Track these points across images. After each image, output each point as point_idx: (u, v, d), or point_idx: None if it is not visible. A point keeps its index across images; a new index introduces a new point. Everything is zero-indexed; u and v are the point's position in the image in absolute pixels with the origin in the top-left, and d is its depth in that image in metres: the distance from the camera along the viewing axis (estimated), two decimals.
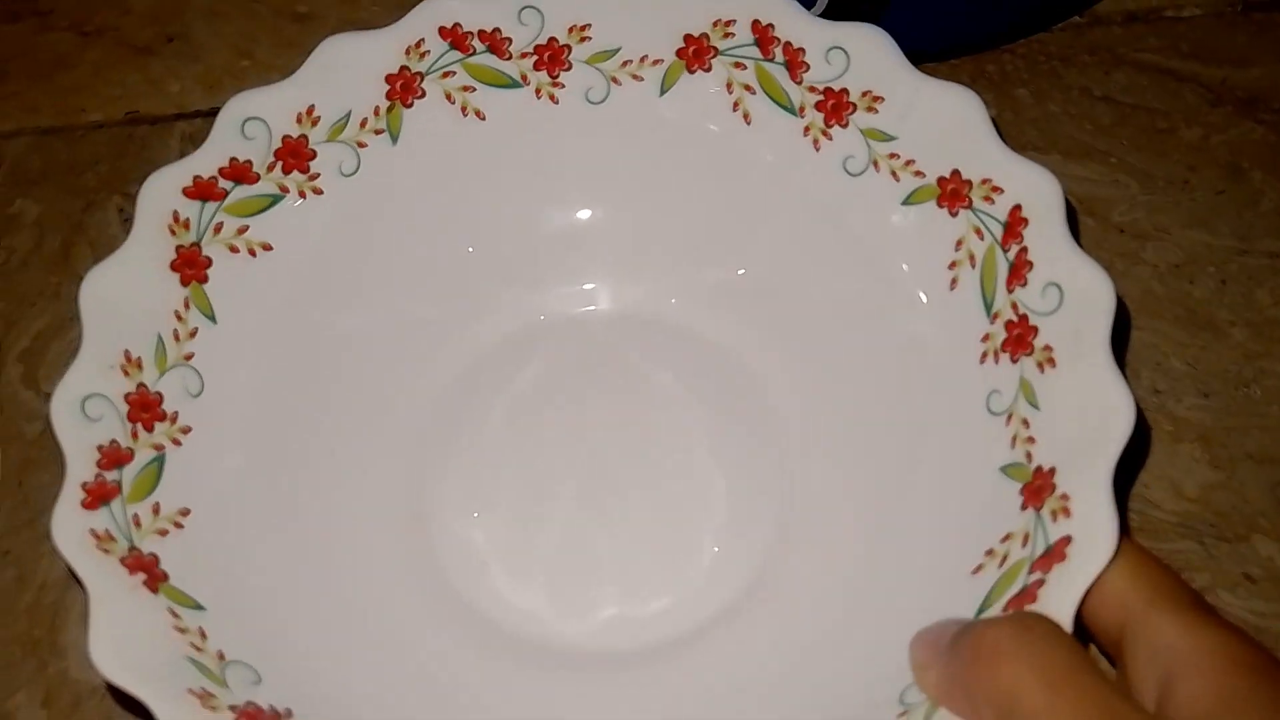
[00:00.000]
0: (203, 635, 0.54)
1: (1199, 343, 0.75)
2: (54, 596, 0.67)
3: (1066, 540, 0.53)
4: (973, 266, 0.63)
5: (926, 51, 0.80)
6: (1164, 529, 0.68)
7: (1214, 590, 0.66)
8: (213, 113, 0.65)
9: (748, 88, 0.69)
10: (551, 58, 0.69)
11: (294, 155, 0.66)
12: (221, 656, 0.54)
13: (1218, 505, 0.69)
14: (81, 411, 0.56)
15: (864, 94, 0.66)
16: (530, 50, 0.69)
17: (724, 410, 0.69)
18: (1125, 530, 0.66)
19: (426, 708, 0.58)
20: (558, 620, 0.63)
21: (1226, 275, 0.77)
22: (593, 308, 0.72)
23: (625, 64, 0.70)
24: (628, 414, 0.70)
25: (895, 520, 0.63)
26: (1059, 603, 0.51)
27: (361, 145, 0.68)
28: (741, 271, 0.70)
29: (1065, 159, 0.82)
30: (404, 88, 0.68)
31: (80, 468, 0.55)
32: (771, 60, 0.68)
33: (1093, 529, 0.52)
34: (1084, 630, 0.51)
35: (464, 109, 0.69)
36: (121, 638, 0.51)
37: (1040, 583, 0.52)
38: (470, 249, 0.71)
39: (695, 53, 0.69)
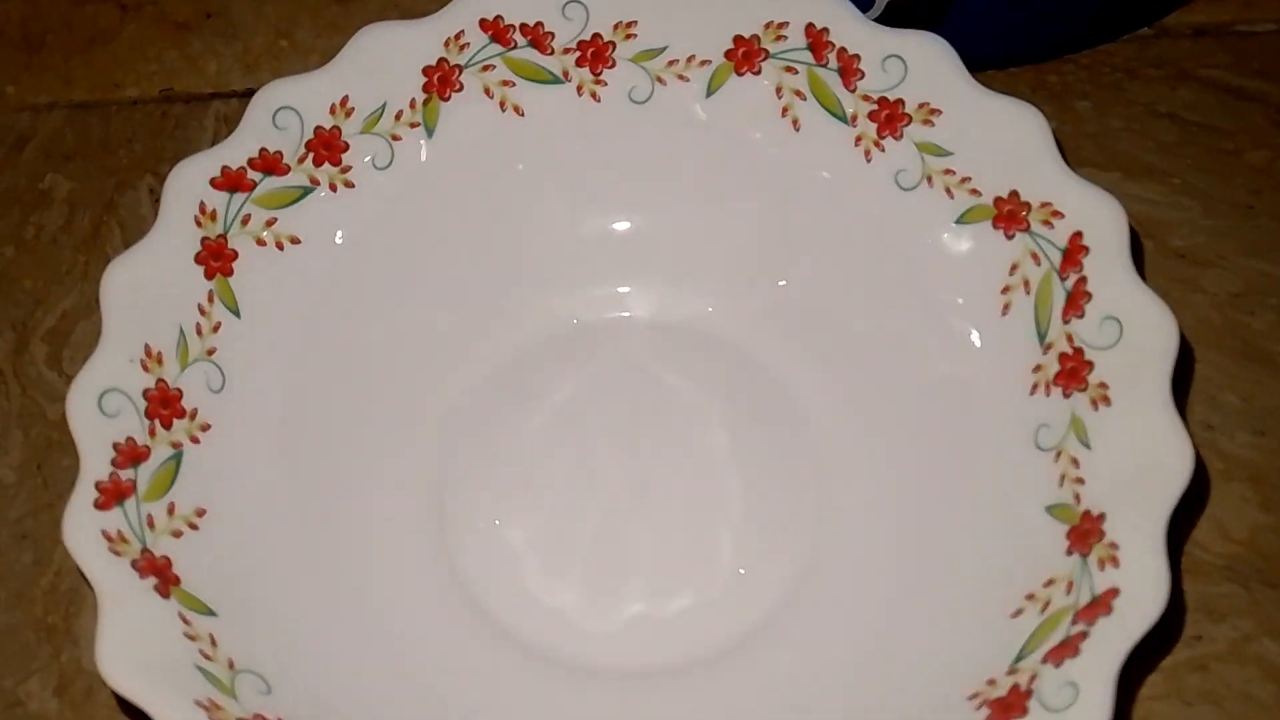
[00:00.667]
0: (213, 642, 0.53)
1: (1254, 377, 0.72)
2: (71, 583, 0.66)
3: (1114, 593, 0.50)
4: (1027, 293, 0.60)
5: (986, 60, 0.77)
6: (1209, 571, 0.65)
7: (1258, 638, 0.64)
8: (249, 94, 0.64)
9: (798, 93, 0.66)
10: (595, 54, 0.67)
11: (326, 147, 0.64)
12: (231, 665, 0.53)
13: (1266, 549, 0.66)
14: (99, 407, 0.55)
15: (920, 105, 0.63)
16: (573, 46, 0.67)
17: (756, 427, 0.67)
18: (1176, 579, 0.64)
19: (440, 713, 0.57)
20: (583, 622, 0.61)
21: None
22: (627, 314, 0.70)
23: (671, 63, 0.67)
24: (658, 423, 0.68)
25: (932, 552, 0.61)
26: (1101, 659, 0.49)
27: (396, 138, 0.66)
28: (783, 283, 0.68)
29: (1125, 177, 0.78)
30: (442, 80, 0.66)
31: (95, 465, 0.54)
32: (825, 66, 0.65)
33: (1142, 584, 0.50)
34: (1126, 691, 0.49)
35: (503, 104, 0.67)
36: (130, 645, 0.50)
37: (1084, 635, 0.50)
38: (504, 249, 0.69)
39: (745, 55, 0.66)
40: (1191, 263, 0.76)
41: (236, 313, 0.62)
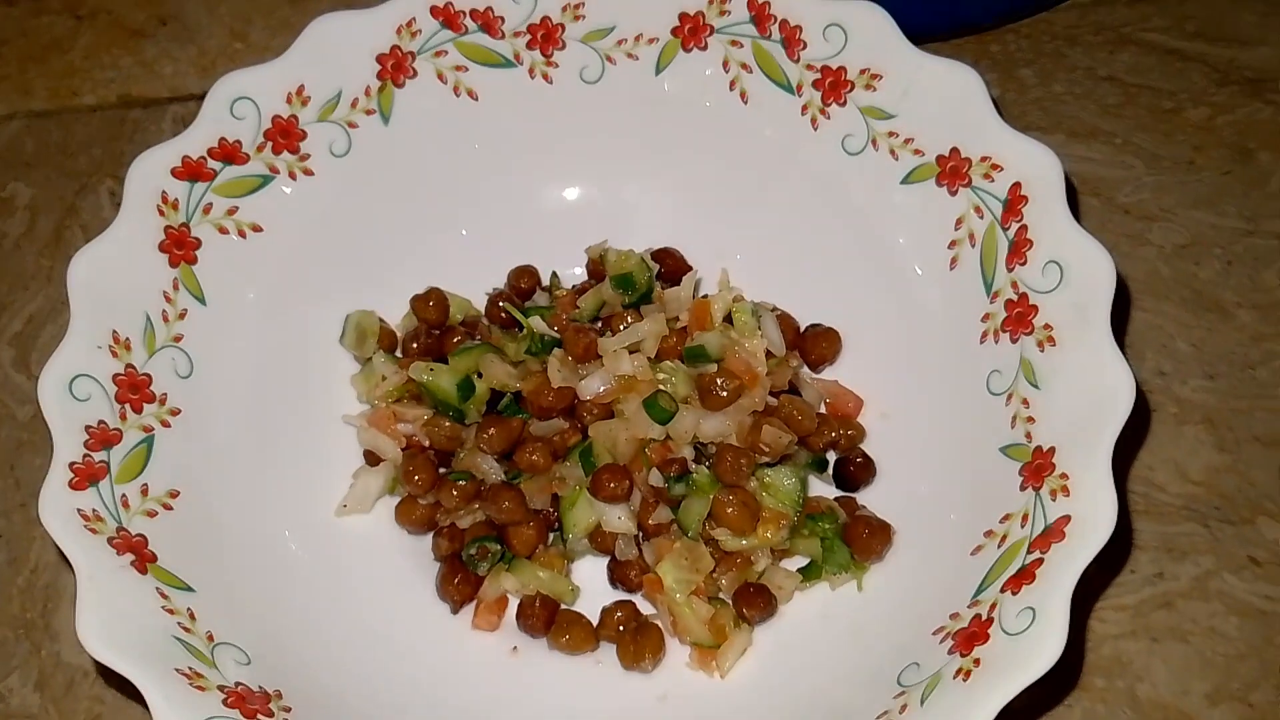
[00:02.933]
0: (191, 616, 0.54)
1: (1205, 324, 0.74)
2: (47, 579, 0.67)
3: (1066, 519, 0.52)
4: (973, 245, 0.62)
5: (928, 31, 0.79)
6: (1168, 512, 0.67)
7: (1219, 573, 0.65)
8: (205, 97, 0.65)
9: (744, 66, 0.68)
10: (545, 36, 0.68)
11: (284, 135, 0.65)
12: (210, 638, 0.54)
13: (1223, 488, 0.68)
14: (69, 392, 0.56)
15: (862, 71, 0.65)
16: (523, 29, 0.68)
17: None
18: (1125, 510, 0.65)
19: (416, 689, 0.58)
20: None
21: (1232, 256, 0.76)
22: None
23: (620, 42, 0.69)
24: None
25: (894, 502, 0.62)
26: (1057, 582, 0.50)
27: (353, 125, 0.67)
28: (739, 257, 0.69)
29: (1069, 139, 0.81)
30: (395, 67, 0.67)
31: (68, 448, 0.55)
32: (768, 38, 0.67)
33: (1092, 508, 0.51)
34: (1078, 613, 0.50)
35: (456, 88, 0.68)
36: (110, 617, 0.51)
37: (1039, 562, 0.51)
38: (464, 231, 0.71)
39: (691, 30, 0.68)
40: (1138, 217, 0.78)
41: (202, 300, 0.63)
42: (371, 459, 0.65)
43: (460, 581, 0.61)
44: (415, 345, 0.67)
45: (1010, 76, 0.83)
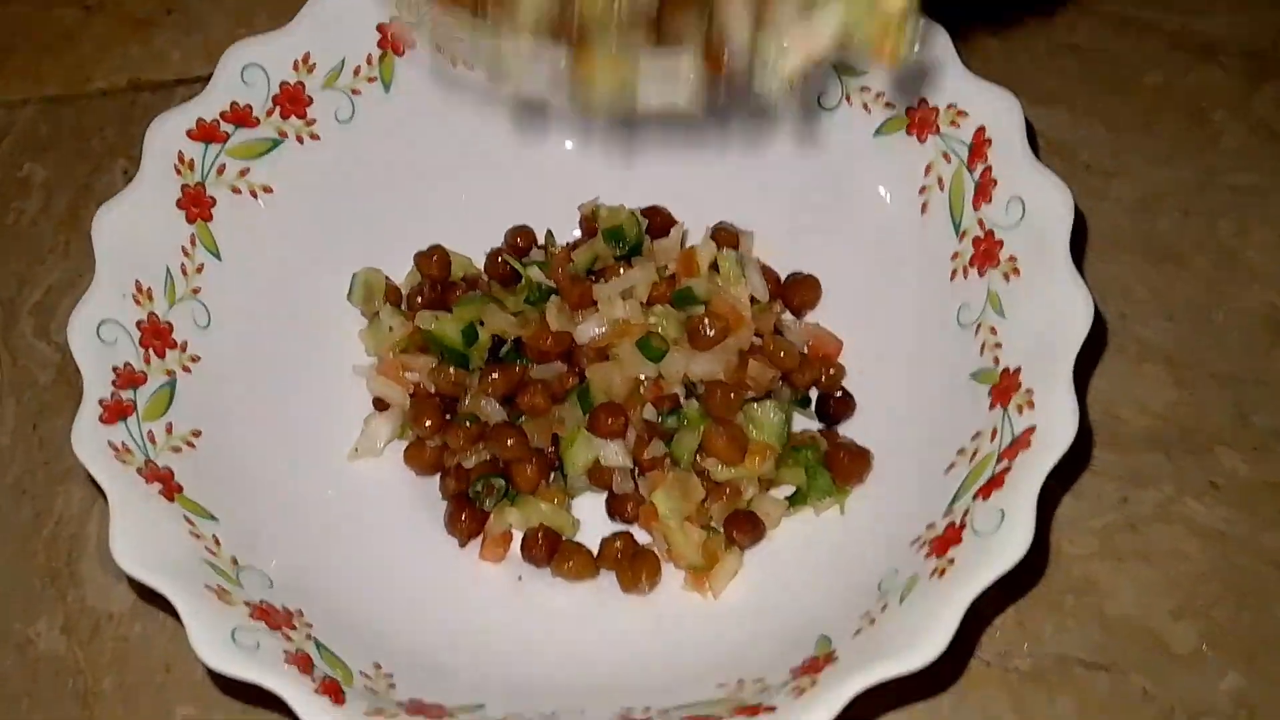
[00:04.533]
0: (217, 542, 0.57)
1: (1163, 272, 0.78)
2: (71, 530, 0.70)
3: (1031, 430, 0.56)
4: (941, 189, 0.66)
5: None
6: (1131, 442, 0.71)
7: (1181, 499, 0.69)
8: (217, 66, 0.68)
9: None
10: None
11: (292, 101, 0.69)
12: (235, 562, 0.57)
13: (1183, 420, 0.72)
14: (97, 335, 0.59)
15: None
16: None
17: None
18: (1087, 428, 0.69)
19: (428, 615, 0.61)
20: None
21: (1189, 208, 0.80)
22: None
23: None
24: None
25: (874, 429, 0.66)
26: (1023, 485, 0.54)
27: (356, 92, 0.71)
28: (725, 213, 0.73)
29: (1032, 104, 0.82)
30: (394, 37, 0.71)
31: (98, 386, 0.58)
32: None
33: (1055, 416, 0.55)
34: (1043, 515, 0.54)
35: (454, 60, 0.72)
36: (141, 538, 0.54)
37: (1007, 469, 0.55)
38: (464, 195, 0.74)
39: None
40: (1098, 174, 0.82)
41: (218, 255, 0.66)
42: (380, 405, 0.68)
43: (467, 518, 0.65)
44: (420, 299, 0.70)
45: (975, 48, 0.87)
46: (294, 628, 0.55)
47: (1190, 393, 0.73)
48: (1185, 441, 0.71)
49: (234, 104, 0.67)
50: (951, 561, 0.54)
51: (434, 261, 0.70)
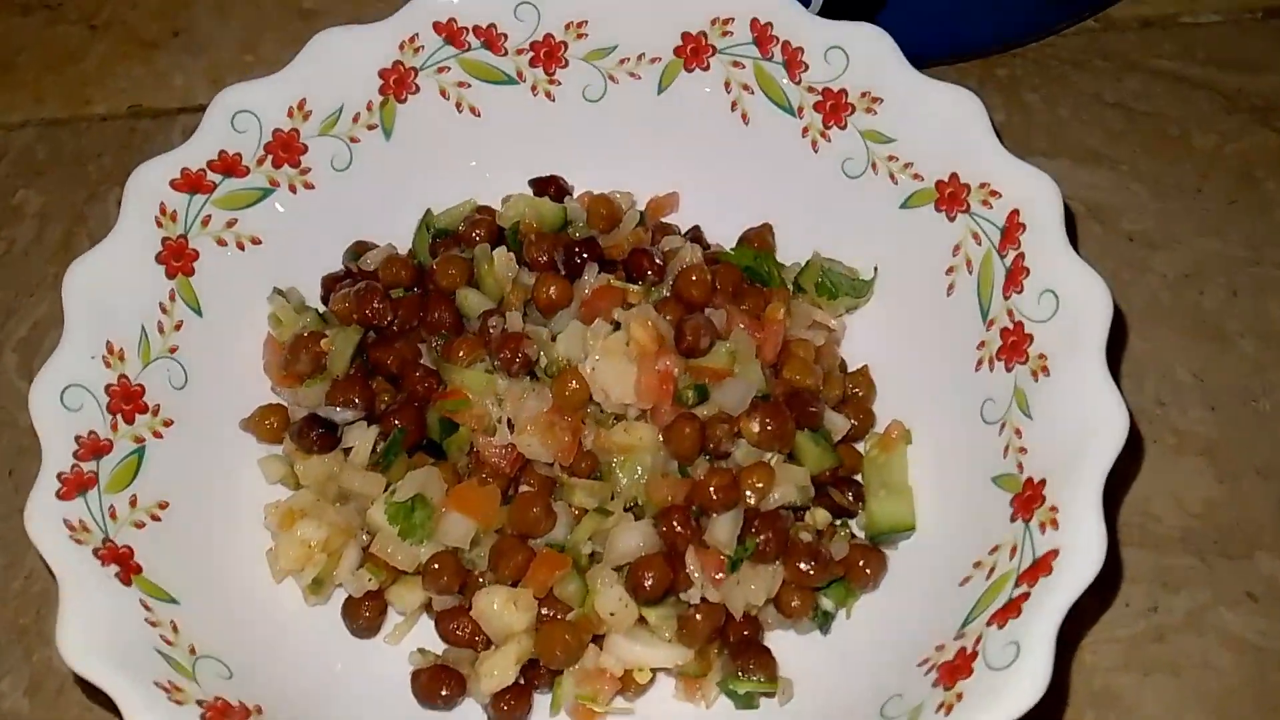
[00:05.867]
0: (174, 628, 0.54)
1: (1206, 354, 0.73)
2: (41, 585, 0.67)
3: (1053, 554, 0.51)
4: (970, 272, 0.62)
5: (933, 54, 0.79)
6: (1165, 543, 0.66)
7: (1215, 607, 0.65)
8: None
9: (746, 87, 0.68)
10: (548, 54, 0.69)
11: (285, 149, 0.66)
12: (193, 650, 0.54)
13: (1221, 520, 0.67)
14: (60, 401, 0.56)
15: (863, 94, 0.65)
16: (526, 46, 0.68)
17: None
18: (1115, 543, 0.65)
19: (400, 705, 0.58)
20: None
21: (1237, 286, 0.75)
22: None
23: (623, 61, 0.69)
24: None
25: None
26: (1042, 617, 0.50)
27: (354, 140, 0.67)
28: None
29: (1074, 164, 0.80)
30: (397, 82, 0.67)
31: (57, 457, 0.55)
32: (770, 59, 0.67)
33: (1080, 543, 0.51)
34: (1065, 646, 0.50)
35: (459, 105, 0.69)
36: (91, 628, 0.51)
37: (1025, 596, 0.51)
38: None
39: (693, 50, 0.68)
40: (1141, 245, 0.78)
41: (199, 311, 0.63)
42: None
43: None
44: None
45: (1015, 101, 0.83)
46: None
47: (1231, 489, 0.68)
48: (1223, 544, 0.66)
49: (222, 152, 0.64)
50: (960, 696, 0.50)
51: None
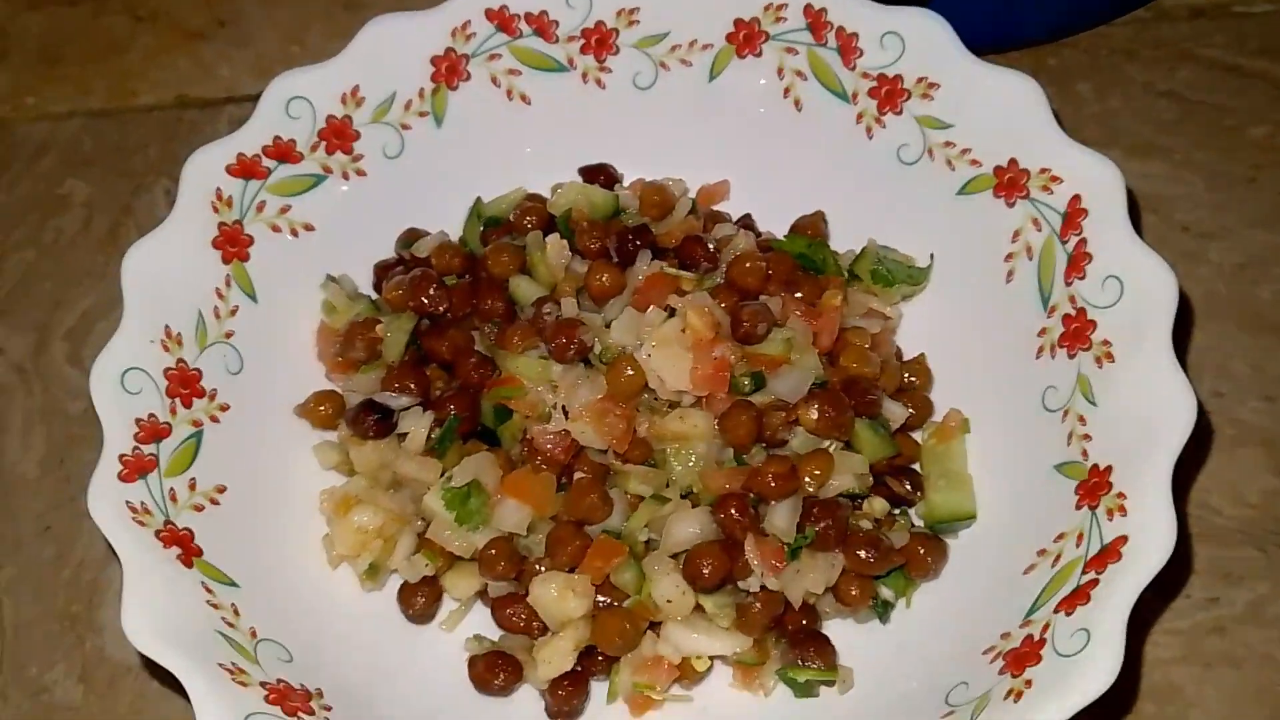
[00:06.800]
0: (235, 612, 0.54)
1: (1263, 345, 0.72)
2: (92, 574, 0.67)
3: (1122, 540, 0.51)
4: (1029, 258, 0.61)
5: (984, 44, 0.78)
6: (1225, 535, 0.65)
7: (1275, 599, 0.64)
8: (261, 95, 0.65)
9: (799, 74, 0.67)
10: (599, 41, 0.68)
11: (338, 136, 0.65)
12: (254, 634, 0.54)
13: None
14: (120, 384, 0.56)
15: (919, 80, 0.64)
16: (577, 34, 0.68)
17: None
18: (1184, 532, 0.64)
19: (456, 691, 0.58)
20: None
21: None
22: None
23: (674, 49, 0.68)
24: None
25: None
26: (1113, 603, 0.49)
27: (406, 127, 0.67)
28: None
29: (1127, 155, 0.79)
30: (449, 70, 0.67)
31: (118, 440, 0.55)
32: (824, 45, 0.66)
33: (1150, 528, 0.50)
34: (1132, 636, 0.49)
35: (509, 92, 0.69)
36: (155, 610, 0.51)
37: (1094, 582, 0.50)
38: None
39: (746, 37, 0.68)
40: (1196, 235, 0.77)
41: (254, 297, 0.63)
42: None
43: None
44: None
45: (1067, 91, 0.82)
46: (311, 712, 0.52)
47: None
48: None
49: (277, 138, 0.64)
50: (1029, 684, 0.49)
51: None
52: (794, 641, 0.57)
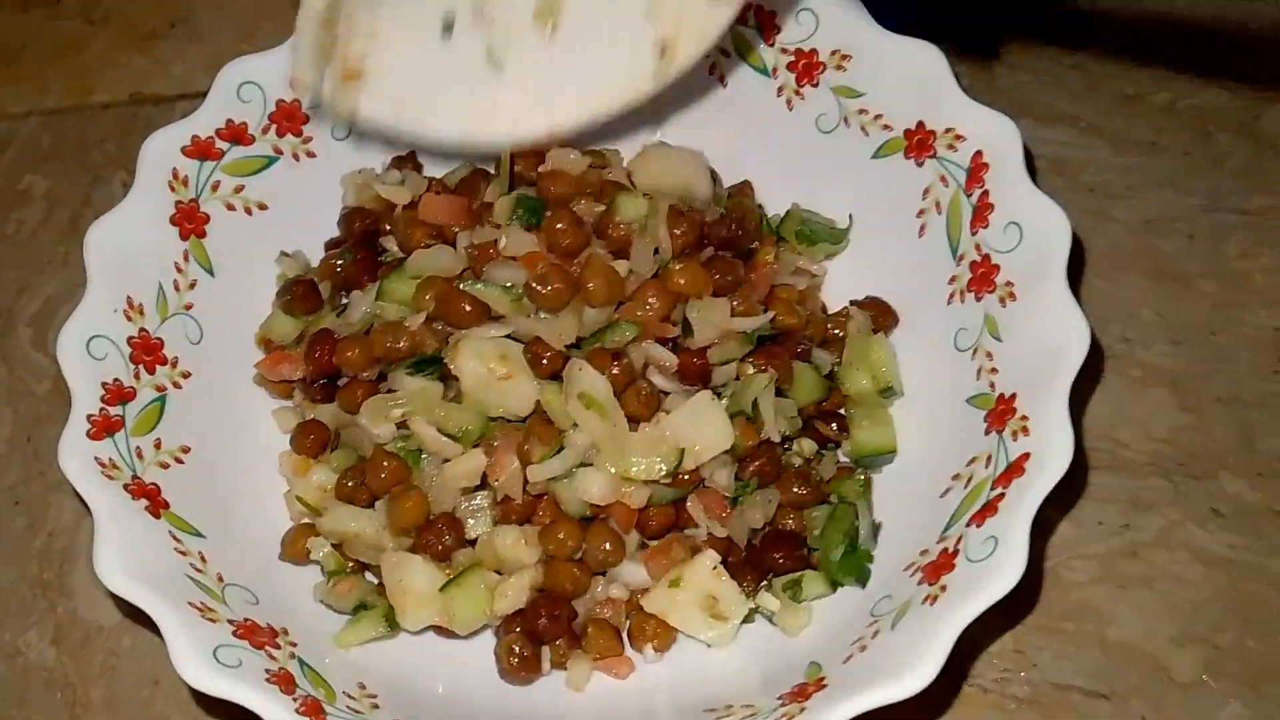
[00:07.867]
0: (202, 559, 0.57)
1: (1169, 295, 0.77)
2: (63, 542, 0.70)
3: (1025, 456, 0.55)
4: (939, 213, 0.65)
5: (899, 23, 0.83)
6: (1134, 467, 0.70)
7: (1184, 524, 0.68)
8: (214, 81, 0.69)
9: (723, 51, 0.72)
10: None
11: (288, 119, 0.69)
12: (220, 579, 0.57)
13: (1187, 445, 0.71)
14: (86, 350, 0.59)
15: (833, 53, 0.69)
16: None
17: None
18: (1083, 456, 0.68)
19: (420, 634, 0.61)
20: None
21: (1195, 231, 0.79)
22: None
23: None
24: None
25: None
26: (1017, 512, 0.53)
27: None
28: None
29: (1036, 123, 0.84)
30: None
31: (86, 402, 0.58)
32: (745, 24, 0.71)
33: (1050, 442, 0.54)
34: (1037, 542, 0.53)
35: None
36: (126, 552, 0.54)
37: (1001, 496, 0.55)
38: None
39: None
40: (1103, 196, 0.81)
41: (211, 271, 0.66)
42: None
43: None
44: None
45: (982, 66, 0.87)
46: (278, 646, 0.55)
47: (1194, 417, 0.72)
48: (1188, 467, 0.70)
49: (230, 121, 0.67)
50: (944, 588, 0.53)
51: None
52: (753, 562, 0.61)
